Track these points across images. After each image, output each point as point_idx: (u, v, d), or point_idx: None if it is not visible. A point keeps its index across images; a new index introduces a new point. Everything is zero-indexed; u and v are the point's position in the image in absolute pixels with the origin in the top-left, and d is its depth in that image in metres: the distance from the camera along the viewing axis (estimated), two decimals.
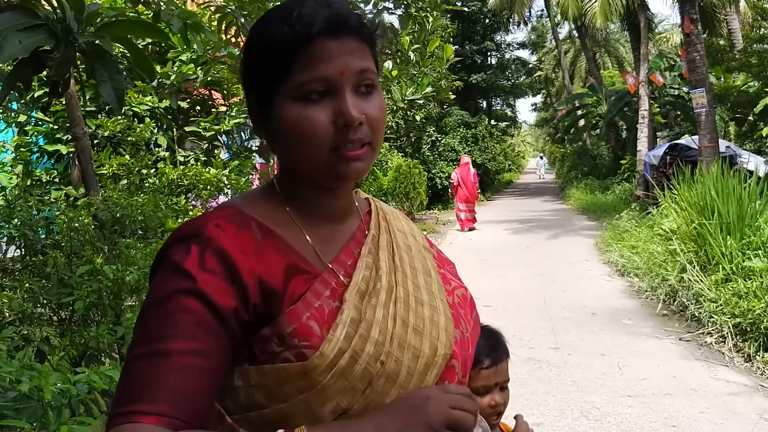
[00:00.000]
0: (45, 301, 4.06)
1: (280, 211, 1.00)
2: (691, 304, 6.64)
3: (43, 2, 2.87)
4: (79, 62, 3.06)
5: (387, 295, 0.99)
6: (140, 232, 5.06)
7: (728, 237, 6.86)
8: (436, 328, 1.03)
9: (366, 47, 0.98)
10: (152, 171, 6.94)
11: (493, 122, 30.23)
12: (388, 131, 18.77)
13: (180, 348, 0.83)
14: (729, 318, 5.76)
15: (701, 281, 6.65)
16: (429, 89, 7.58)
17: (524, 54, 42.67)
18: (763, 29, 19.55)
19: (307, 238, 1.00)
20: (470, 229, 15.27)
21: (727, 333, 5.70)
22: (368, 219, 1.12)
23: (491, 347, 1.57)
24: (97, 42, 2.60)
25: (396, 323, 0.97)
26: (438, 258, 1.20)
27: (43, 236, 4.71)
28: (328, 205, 1.04)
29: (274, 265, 0.92)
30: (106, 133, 7.07)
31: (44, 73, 2.97)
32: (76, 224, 4.52)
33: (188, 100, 8.30)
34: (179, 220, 5.42)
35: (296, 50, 0.93)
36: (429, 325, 1.02)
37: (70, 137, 5.76)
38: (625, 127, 23.59)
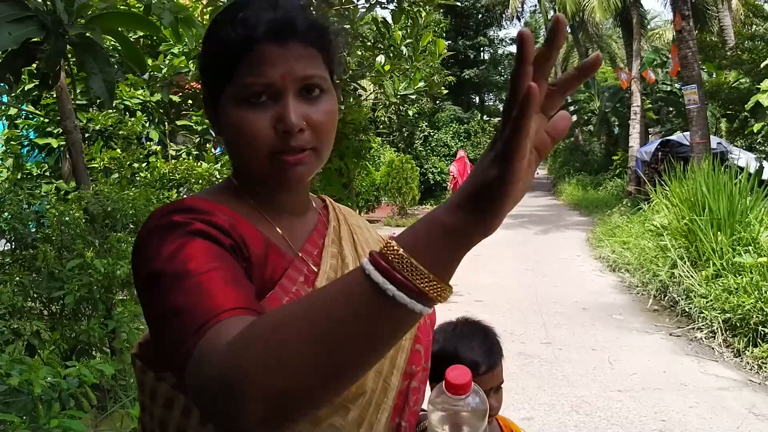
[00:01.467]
0: (35, 295, 4.05)
1: (245, 204, 0.99)
2: (682, 299, 6.67)
3: None
4: (69, 55, 3.04)
5: None
6: (131, 226, 5.04)
7: (719, 233, 6.89)
8: None
9: (314, 51, 0.95)
10: (144, 165, 6.91)
11: (485, 117, 30.14)
12: (381, 126, 18.76)
13: (213, 266, 0.80)
14: (719, 313, 5.79)
15: (692, 277, 6.69)
16: (421, 84, 7.56)
17: None
18: (755, 26, 19.63)
19: (277, 228, 1.00)
20: None
21: (717, 328, 5.73)
22: (325, 213, 1.13)
23: (487, 351, 1.49)
24: (87, 34, 2.58)
25: None
26: None
27: (34, 230, 4.70)
28: (286, 200, 1.04)
29: (254, 238, 0.92)
30: (97, 127, 7.03)
31: (34, 65, 2.95)
32: (67, 218, 4.50)
33: (180, 94, 8.24)
34: None
35: (239, 53, 0.91)
36: None
37: (61, 131, 5.73)
38: (617, 123, 23.67)
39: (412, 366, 1.04)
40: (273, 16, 0.92)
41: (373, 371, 0.96)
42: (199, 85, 8.27)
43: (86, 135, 7.01)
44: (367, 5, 5.93)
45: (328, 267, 1.00)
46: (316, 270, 0.99)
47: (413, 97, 7.84)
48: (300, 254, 1.00)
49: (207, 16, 4.65)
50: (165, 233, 0.85)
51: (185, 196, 1.04)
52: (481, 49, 29.41)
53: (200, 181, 6.63)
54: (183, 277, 0.79)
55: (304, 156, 0.94)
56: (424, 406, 1.24)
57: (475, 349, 1.46)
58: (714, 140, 12.06)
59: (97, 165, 6.44)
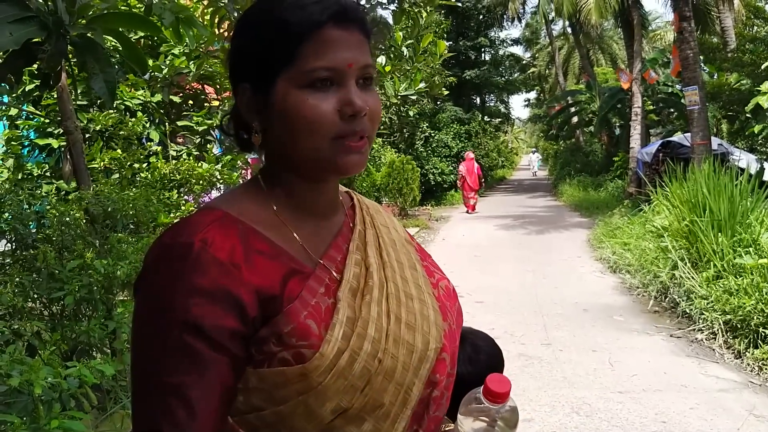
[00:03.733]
0: (36, 296, 4.04)
1: (265, 210, 0.98)
2: (683, 300, 6.67)
3: None
4: (70, 55, 3.04)
5: (379, 292, 0.99)
6: (132, 226, 5.05)
7: (719, 234, 6.89)
8: (427, 322, 1.02)
9: (366, 41, 0.97)
10: (144, 165, 6.91)
11: (486, 118, 30.20)
12: (381, 127, 18.76)
13: (189, 382, 0.83)
14: (720, 315, 5.79)
15: (692, 278, 6.68)
16: (422, 85, 7.56)
17: (518, 50, 42.73)
18: (756, 27, 19.62)
19: (295, 235, 0.98)
20: (473, 210, 18.96)
21: (717, 330, 5.73)
22: (351, 213, 1.11)
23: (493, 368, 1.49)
24: (88, 34, 2.58)
25: (390, 320, 0.97)
26: (419, 251, 1.20)
27: (34, 230, 4.69)
28: (316, 199, 1.02)
29: (269, 272, 0.91)
30: (97, 127, 7.03)
31: (35, 66, 2.95)
32: (67, 218, 4.50)
33: (180, 95, 8.26)
34: (171, 215, 5.41)
35: (306, 35, 0.91)
36: (420, 320, 1.01)
37: (62, 131, 5.72)
38: (618, 124, 23.66)
39: (436, 375, 1.02)
40: (341, 1, 0.94)
41: (394, 383, 0.94)
42: (201, 86, 8.29)
43: (87, 135, 7.00)
44: (368, 6, 5.93)
45: (351, 276, 0.98)
46: (337, 278, 0.97)
47: (414, 97, 7.85)
48: (322, 261, 0.98)
49: (207, 17, 4.64)
50: (163, 306, 0.87)
51: (211, 197, 1.02)
52: (482, 49, 29.34)
53: (201, 182, 6.62)
54: (160, 377, 0.84)
55: (363, 143, 0.96)
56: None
57: (479, 364, 1.43)
58: (715, 141, 12.05)
59: (97, 165, 6.43)
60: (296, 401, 0.88)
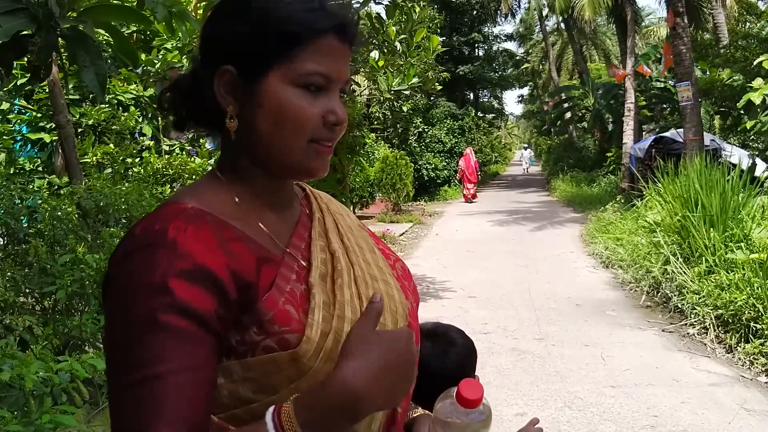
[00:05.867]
0: (27, 290, 4.03)
1: (228, 202, 0.97)
2: (674, 295, 6.70)
3: None
4: (62, 50, 3.02)
5: (348, 276, 1.00)
6: (124, 221, 5.03)
7: (711, 229, 6.92)
8: (393, 302, 1.05)
9: (350, 56, 1.01)
10: (137, 160, 6.89)
11: (480, 114, 30.21)
12: (375, 122, 18.73)
13: (172, 368, 0.80)
14: (711, 309, 5.82)
15: (684, 273, 6.71)
16: (415, 80, 7.53)
17: (512, 46, 42.80)
18: (748, 23, 19.68)
19: (261, 225, 0.98)
20: (472, 200, 20.85)
21: (709, 324, 5.76)
22: (306, 203, 1.12)
23: (468, 359, 1.48)
24: (79, 27, 2.56)
25: (362, 301, 0.98)
26: (372, 235, 1.22)
27: (26, 225, 4.67)
28: (275, 192, 1.03)
29: (243, 258, 0.90)
30: (90, 122, 7.01)
31: (26, 59, 2.94)
32: (59, 213, 4.49)
33: None
34: None
35: (309, 38, 0.93)
36: (387, 300, 1.03)
37: (54, 125, 5.70)
38: (611, 119, 23.70)
39: None
40: (347, 14, 0.97)
41: None
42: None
43: (79, 130, 6.98)
44: (361, 1, 5.92)
45: (319, 261, 0.99)
46: (305, 265, 0.98)
47: (407, 93, 7.81)
48: (288, 250, 0.99)
49: (201, 11, 4.62)
50: (143, 293, 0.83)
51: (175, 198, 0.99)
52: (476, 45, 29.36)
53: (194, 177, 6.61)
54: (141, 370, 0.80)
55: (331, 150, 0.99)
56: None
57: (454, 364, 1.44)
58: (707, 137, 12.09)
59: (89, 160, 6.41)
60: (288, 389, 0.88)
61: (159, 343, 0.81)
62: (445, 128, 23.91)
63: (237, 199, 0.98)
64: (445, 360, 1.43)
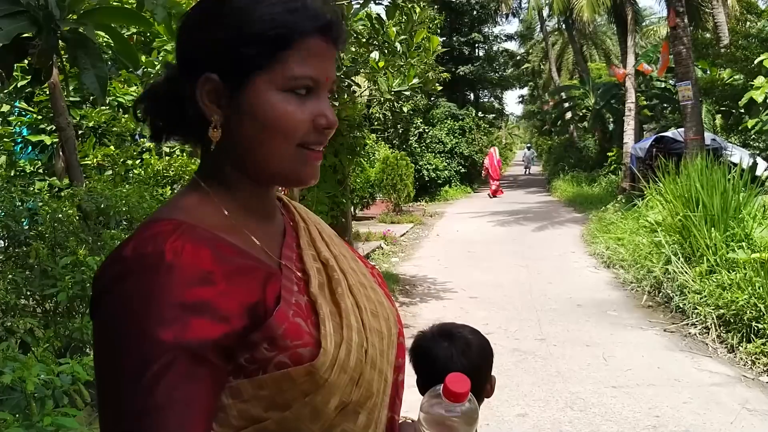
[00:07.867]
0: (28, 293, 4.03)
1: (217, 215, 0.93)
2: (676, 295, 6.69)
3: None
4: (63, 52, 3.02)
5: (344, 284, 0.99)
6: (125, 223, 5.03)
7: (712, 229, 6.91)
8: (384, 309, 1.05)
9: (336, 57, 0.98)
10: (137, 162, 6.90)
11: (480, 114, 30.15)
12: (376, 123, 18.74)
13: (174, 410, 0.77)
14: (713, 309, 5.81)
15: (686, 273, 6.70)
16: (416, 81, 7.52)
17: (512, 46, 42.79)
18: (749, 23, 19.67)
19: (254, 239, 0.94)
20: (495, 195, 22.54)
21: (710, 324, 5.75)
22: (287, 213, 1.09)
23: (485, 359, 1.51)
24: (80, 29, 2.57)
25: (360, 309, 0.98)
26: (346, 244, 1.20)
27: (27, 227, 4.68)
28: (260, 202, 0.99)
29: (246, 278, 0.87)
30: (90, 124, 7.01)
31: (26, 61, 2.94)
32: (60, 215, 4.49)
33: None
34: None
35: (294, 40, 0.89)
36: (379, 307, 1.03)
37: (54, 128, 5.71)
38: (611, 119, 23.69)
39: (399, 359, 1.05)
40: (332, 14, 0.93)
41: (377, 371, 0.95)
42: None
43: (79, 132, 6.98)
44: (362, 1, 5.93)
45: (315, 272, 0.97)
46: (301, 276, 0.96)
47: (408, 93, 7.81)
48: (282, 262, 0.96)
49: None
50: (139, 325, 0.78)
51: (161, 215, 0.90)
52: (476, 45, 29.33)
53: None
54: (141, 418, 0.76)
55: (320, 155, 0.96)
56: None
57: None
58: (708, 136, 12.07)
59: (90, 162, 6.42)
60: (302, 403, 0.86)
61: (154, 386, 0.77)
62: (446, 129, 23.90)
63: (226, 212, 0.94)
64: (463, 360, 1.43)
